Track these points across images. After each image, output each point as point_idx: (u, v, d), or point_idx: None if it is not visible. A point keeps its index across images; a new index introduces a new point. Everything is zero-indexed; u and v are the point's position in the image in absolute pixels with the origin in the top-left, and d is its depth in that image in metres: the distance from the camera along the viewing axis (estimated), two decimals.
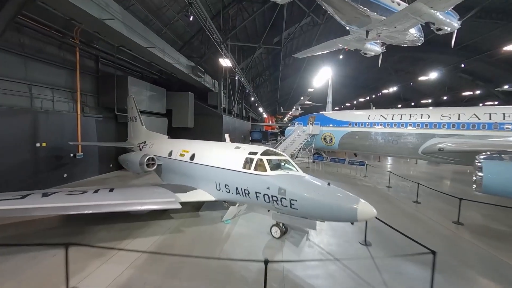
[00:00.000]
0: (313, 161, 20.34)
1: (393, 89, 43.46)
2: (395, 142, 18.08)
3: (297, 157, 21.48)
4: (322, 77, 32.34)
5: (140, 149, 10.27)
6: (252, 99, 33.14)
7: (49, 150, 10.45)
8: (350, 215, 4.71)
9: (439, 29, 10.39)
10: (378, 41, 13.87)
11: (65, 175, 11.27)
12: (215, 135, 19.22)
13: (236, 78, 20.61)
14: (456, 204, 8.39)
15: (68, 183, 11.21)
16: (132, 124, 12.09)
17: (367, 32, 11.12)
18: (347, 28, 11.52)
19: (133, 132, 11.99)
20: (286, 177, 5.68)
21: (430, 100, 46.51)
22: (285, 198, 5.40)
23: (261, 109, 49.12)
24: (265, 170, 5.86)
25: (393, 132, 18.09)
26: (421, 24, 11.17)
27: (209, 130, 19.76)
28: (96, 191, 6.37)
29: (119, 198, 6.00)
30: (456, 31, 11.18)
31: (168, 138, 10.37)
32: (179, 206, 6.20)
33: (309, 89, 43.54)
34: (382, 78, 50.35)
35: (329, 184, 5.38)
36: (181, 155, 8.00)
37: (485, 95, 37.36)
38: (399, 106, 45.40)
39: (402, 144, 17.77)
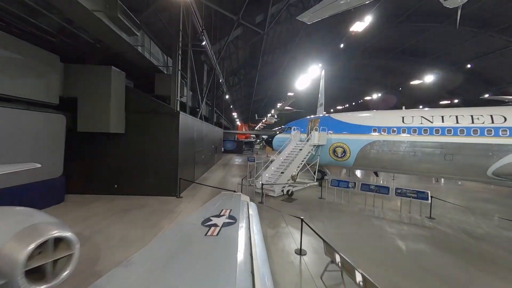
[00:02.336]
0: (319, 184, 13.01)
1: (366, 98, 42.56)
2: (449, 157, 11.98)
3: (294, 180, 13.77)
4: (304, 79, 26.35)
5: None
6: (227, 96, 25.08)
7: None
8: None
9: None
10: None
11: None
12: (165, 150, 10.84)
13: (204, 43, 12.52)
14: None
15: None
16: None
17: None
18: None
19: None
20: None
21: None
22: None
23: (235, 114, 41.22)
24: None
25: (446, 142, 12.00)
26: None
27: (155, 140, 11.23)
28: None
29: None
30: None
31: None
32: None
33: (289, 94, 38.59)
34: (353, 89, 49.14)
35: None
36: None
37: (451, 106, 37.48)
38: None
39: (461, 162, 11.72)
